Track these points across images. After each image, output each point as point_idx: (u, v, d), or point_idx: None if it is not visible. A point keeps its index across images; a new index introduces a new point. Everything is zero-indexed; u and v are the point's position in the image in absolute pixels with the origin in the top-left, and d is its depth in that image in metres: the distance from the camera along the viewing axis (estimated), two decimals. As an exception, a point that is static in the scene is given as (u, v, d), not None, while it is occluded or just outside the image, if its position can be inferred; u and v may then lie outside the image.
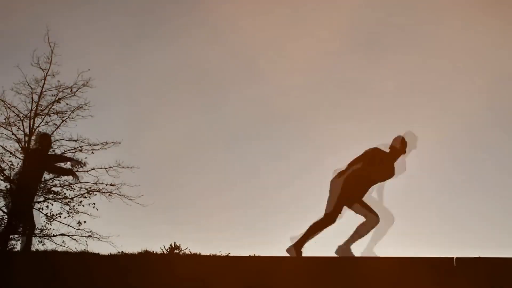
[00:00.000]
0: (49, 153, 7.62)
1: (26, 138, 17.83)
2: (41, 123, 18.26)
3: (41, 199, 17.73)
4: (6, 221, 16.17)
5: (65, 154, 7.70)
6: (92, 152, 19.02)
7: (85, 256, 7.09)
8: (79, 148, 18.56)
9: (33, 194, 7.29)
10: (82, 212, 18.34)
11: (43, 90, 18.70)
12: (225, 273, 6.13)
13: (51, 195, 17.75)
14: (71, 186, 17.76)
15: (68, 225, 17.87)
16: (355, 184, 7.24)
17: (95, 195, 18.28)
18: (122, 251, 7.42)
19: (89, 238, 17.83)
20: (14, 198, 7.05)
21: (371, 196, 7.45)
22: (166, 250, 17.08)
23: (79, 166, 7.54)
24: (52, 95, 18.80)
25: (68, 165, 7.78)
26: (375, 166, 7.31)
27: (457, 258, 6.05)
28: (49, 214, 17.88)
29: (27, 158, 7.25)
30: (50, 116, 18.47)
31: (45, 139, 7.69)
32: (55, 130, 18.31)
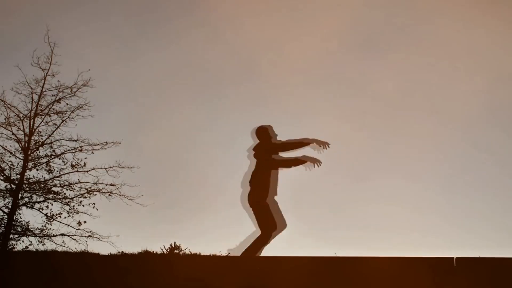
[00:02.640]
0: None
1: (26, 138, 17.85)
2: (41, 123, 18.32)
3: (41, 199, 17.77)
4: (6, 221, 16.16)
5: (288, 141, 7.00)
6: (92, 152, 19.07)
7: (85, 256, 7.09)
8: (79, 148, 18.64)
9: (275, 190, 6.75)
10: (82, 212, 18.40)
11: (43, 90, 18.76)
12: (225, 273, 6.14)
13: (51, 195, 17.79)
14: (71, 186, 17.77)
15: (68, 225, 17.93)
16: None
17: (95, 195, 18.34)
18: (122, 251, 7.42)
19: (89, 238, 17.87)
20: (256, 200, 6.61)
21: None
22: (166, 250, 17.09)
23: (324, 146, 6.88)
24: (52, 95, 18.86)
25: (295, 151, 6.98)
26: None
27: (457, 258, 6.05)
28: (49, 214, 17.91)
29: (262, 157, 6.75)
30: (50, 116, 18.55)
31: (266, 131, 7.07)
32: (55, 130, 18.34)
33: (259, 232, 6.85)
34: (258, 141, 7.11)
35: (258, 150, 6.94)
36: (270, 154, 6.89)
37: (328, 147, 6.83)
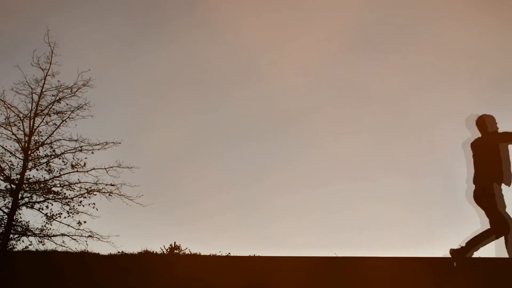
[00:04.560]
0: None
1: (26, 138, 17.83)
2: (41, 123, 18.30)
3: (41, 199, 17.73)
4: (6, 221, 16.14)
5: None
6: (92, 152, 19.06)
7: (85, 256, 7.10)
8: (79, 148, 18.62)
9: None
10: (82, 212, 18.39)
11: (43, 90, 18.75)
12: (225, 273, 6.14)
13: (51, 195, 17.76)
14: (71, 186, 17.74)
15: (68, 225, 17.92)
16: None
17: (95, 195, 18.32)
18: (122, 251, 7.43)
19: (89, 238, 17.86)
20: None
21: None
22: (166, 250, 17.08)
23: None
24: (52, 95, 18.85)
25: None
26: None
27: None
28: (49, 214, 17.90)
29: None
30: (50, 116, 18.54)
31: (490, 120, 6.73)
32: (55, 130, 18.34)
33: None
34: (481, 133, 6.78)
35: (489, 142, 6.57)
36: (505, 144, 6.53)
37: None
